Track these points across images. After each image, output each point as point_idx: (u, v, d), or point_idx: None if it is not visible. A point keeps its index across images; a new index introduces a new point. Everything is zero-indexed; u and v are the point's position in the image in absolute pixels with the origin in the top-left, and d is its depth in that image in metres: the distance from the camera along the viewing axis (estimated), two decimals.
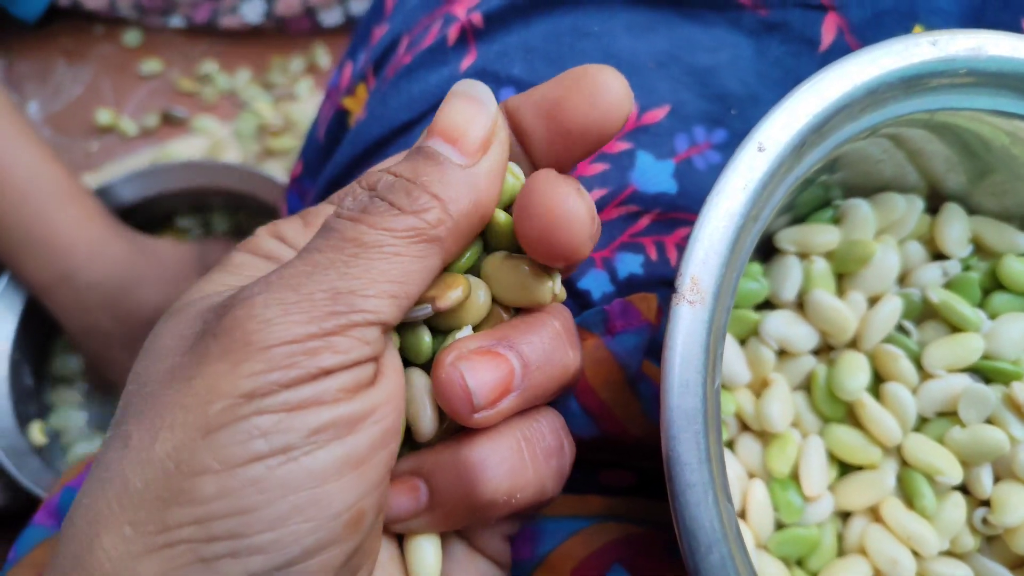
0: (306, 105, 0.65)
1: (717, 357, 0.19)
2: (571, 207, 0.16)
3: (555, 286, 0.19)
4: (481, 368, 0.17)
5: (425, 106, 0.30)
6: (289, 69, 0.66)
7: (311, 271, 0.16)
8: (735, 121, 0.30)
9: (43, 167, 0.47)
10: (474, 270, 0.19)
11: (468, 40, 0.30)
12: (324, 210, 0.20)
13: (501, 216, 0.19)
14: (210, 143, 0.64)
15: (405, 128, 0.30)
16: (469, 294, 0.18)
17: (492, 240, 0.19)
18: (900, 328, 0.27)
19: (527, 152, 0.19)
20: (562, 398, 0.24)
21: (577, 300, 0.27)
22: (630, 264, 0.27)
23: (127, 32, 0.69)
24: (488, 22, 0.30)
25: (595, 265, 0.27)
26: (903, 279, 0.27)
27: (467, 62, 0.30)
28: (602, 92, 0.18)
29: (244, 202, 0.54)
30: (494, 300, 0.19)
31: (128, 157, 0.65)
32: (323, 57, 0.66)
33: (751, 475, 0.25)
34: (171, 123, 0.65)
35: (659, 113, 0.29)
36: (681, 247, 0.29)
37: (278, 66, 0.66)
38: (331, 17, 0.65)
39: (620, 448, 0.25)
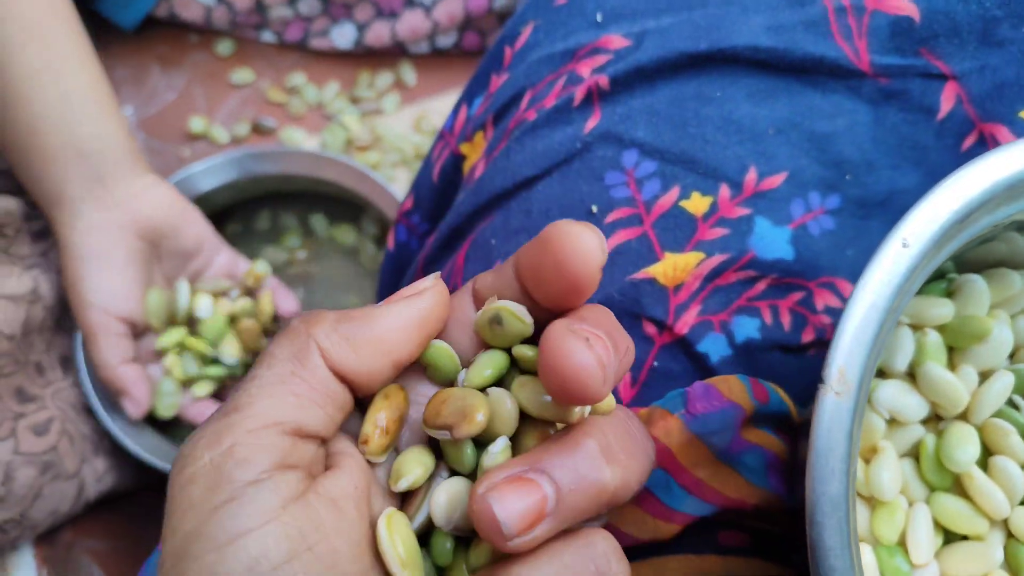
0: (392, 120, 0.67)
1: (856, 443, 0.20)
2: (579, 362, 0.17)
3: (583, 409, 0.19)
4: (511, 497, 0.17)
5: (548, 163, 0.31)
6: (376, 84, 0.68)
7: None
8: (850, 187, 0.31)
9: (96, 84, 0.45)
10: (505, 383, 0.20)
11: (593, 101, 0.31)
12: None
13: (528, 351, 0.20)
14: None
15: (528, 183, 0.31)
16: (489, 418, 0.19)
17: (524, 367, 0.20)
18: (1011, 403, 0.27)
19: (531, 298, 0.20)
20: (661, 481, 0.25)
21: (695, 363, 0.28)
22: (747, 328, 0.29)
23: (220, 42, 0.71)
24: (614, 85, 0.31)
25: (713, 328, 0.29)
26: (1015, 354, 0.28)
27: (591, 123, 0.31)
28: (568, 260, 0.18)
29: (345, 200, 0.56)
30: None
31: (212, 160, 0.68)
32: (409, 74, 0.68)
33: (859, 540, 0.27)
34: (260, 132, 0.68)
35: (777, 179, 0.30)
36: (795, 311, 0.30)
37: (365, 81, 0.68)
38: (419, 48, 0.67)
39: (738, 511, 0.26)
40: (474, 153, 0.36)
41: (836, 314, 0.30)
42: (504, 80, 0.35)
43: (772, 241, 0.29)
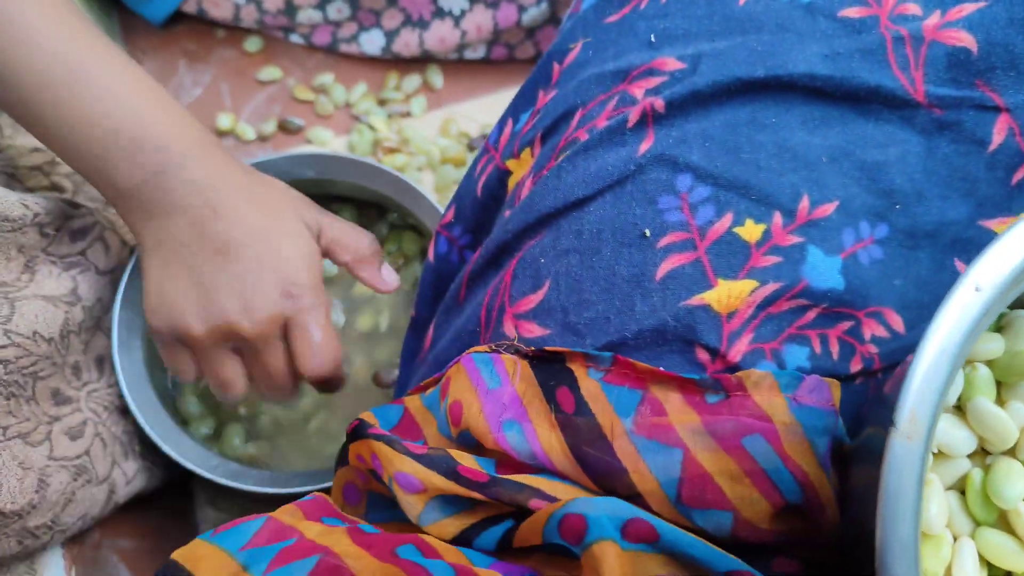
0: (420, 123, 0.67)
1: (923, 484, 0.20)
2: None
3: None
4: None
5: (601, 184, 0.31)
6: (403, 87, 0.67)
7: None
8: (899, 216, 0.31)
9: (129, 68, 0.41)
10: None
11: (647, 123, 0.31)
12: None
13: None
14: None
15: (579, 203, 0.32)
16: None
17: None
18: None
19: None
20: (770, 461, 0.26)
21: None
22: (798, 356, 0.29)
23: (248, 38, 0.71)
24: (669, 108, 0.31)
25: (765, 357, 0.29)
26: None
27: (645, 145, 0.31)
28: None
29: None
30: None
31: (245, 160, 0.68)
32: (437, 77, 0.68)
33: None
34: (287, 130, 0.68)
35: (829, 208, 0.30)
36: (843, 341, 0.30)
37: (393, 83, 0.68)
38: (447, 58, 0.68)
39: (800, 534, 0.26)
40: (521, 169, 0.36)
41: (883, 344, 0.30)
42: (552, 97, 0.35)
43: (824, 271, 0.29)
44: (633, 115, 0.31)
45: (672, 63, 0.32)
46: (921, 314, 0.30)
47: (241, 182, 0.43)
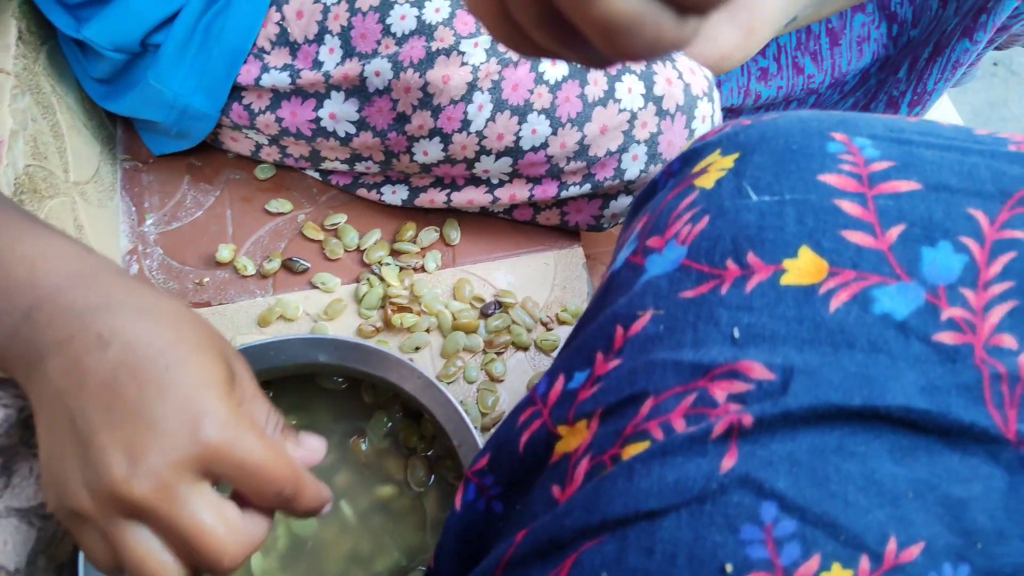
0: (433, 279, 0.64)
1: None
2: None
3: None
4: None
5: (678, 499, 0.29)
6: (420, 239, 0.65)
7: None
8: (979, 556, 0.29)
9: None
10: None
11: (731, 436, 0.29)
12: None
13: None
14: (327, 301, 0.63)
15: (651, 515, 0.29)
16: None
17: None
18: None
19: None
20: None
21: None
22: None
23: (260, 164, 0.68)
24: (757, 425, 0.29)
25: None
26: None
27: (728, 462, 0.29)
28: None
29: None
30: None
31: (241, 298, 0.64)
32: (454, 231, 0.66)
33: None
34: (291, 271, 0.64)
35: (915, 551, 0.28)
36: None
37: (410, 233, 0.65)
38: (469, 209, 0.66)
39: None
40: (573, 439, 0.33)
41: None
42: (616, 367, 0.33)
43: None
44: (718, 428, 0.29)
45: (759, 370, 0.30)
46: None
47: (140, 297, 0.34)
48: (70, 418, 0.31)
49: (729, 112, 0.76)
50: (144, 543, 0.31)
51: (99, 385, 0.31)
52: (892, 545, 0.28)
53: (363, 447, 0.53)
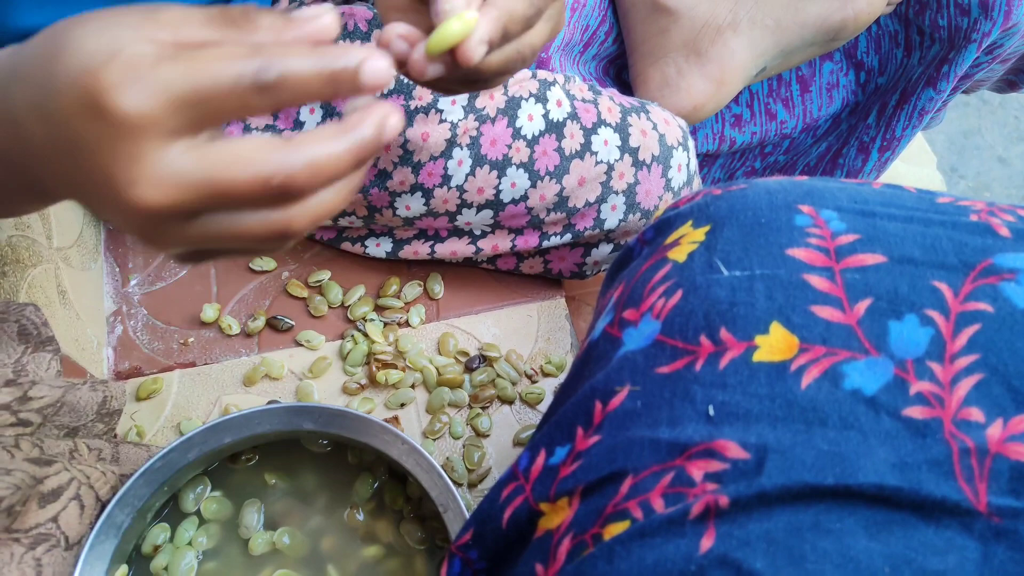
0: (417, 334, 0.65)
1: None
2: None
3: None
4: None
5: None
6: (404, 293, 0.66)
7: None
8: None
9: None
10: None
11: (709, 517, 0.30)
12: None
13: None
14: (312, 359, 0.63)
15: None
16: None
17: None
18: None
19: None
20: None
21: None
22: None
23: None
24: (733, 506, 0.29)
25: None
26: None
27: (706, 543, 0.29)
28: None
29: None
30: None
31: (226, 357, 0.64)
32: (437, 285, 0.66)
33: None
34: (276, 329, 0.65)
35: None
36: None
37: (394, 288, 0.66)
38: (454, 261, 0.66)
39: None
40: (555, 516, 0.34)
41: None
42: (595, 444, 0.34)
43: None
44: (696, 508, 0.30)
45: (734, 449, 0.31)
46: None
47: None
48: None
49: (706, 157, 0.77)
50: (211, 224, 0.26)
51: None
52: None
53: (359, 517, 0.53)
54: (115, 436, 0.55)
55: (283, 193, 0.26)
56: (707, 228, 0.37)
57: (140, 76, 0.24)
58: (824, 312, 0.33)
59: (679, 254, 0.37)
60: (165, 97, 0.25)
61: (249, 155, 0.25)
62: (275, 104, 0.26)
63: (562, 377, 0.64)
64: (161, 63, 0.25)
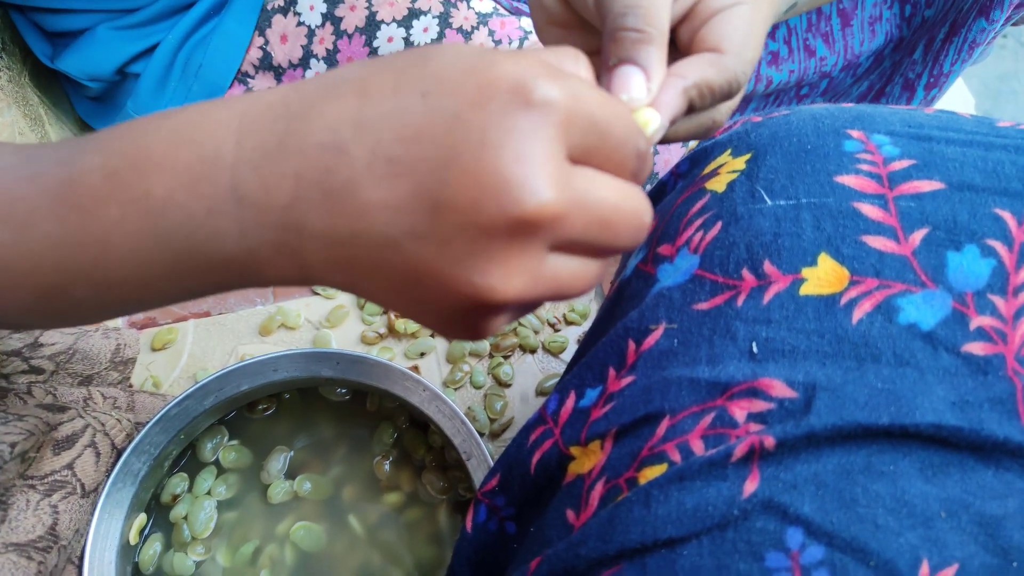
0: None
1: None
2: None
3: None
4: None
5: (698, 526, 0.27)
6: None
7: None
8: None
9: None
10: None
11: (752, 459, 0.28)
12: None
13: None
14: (329, 308, 0.62)
15: (671, 543, 0.28)
16: None
17: None
18: None
19: None
20: None
21: None
22: None
23: None
24: (779, 447, 0.28)
25: None
26: None
27: (750, 486, 0.28)
28: None
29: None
30: None
31: (241, 307, 0.63)
32: None
33: None
34: None
35: (949, 573, 0.27)
36: None
37: None
38: None
39: None
40: (587, 460, 0.32)
41: None
42: (629, 385, 0.32)
43: None
44: (739, 450, 0.28)
45: (780, 387, 0.29)
46: None
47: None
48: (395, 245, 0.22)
49: None
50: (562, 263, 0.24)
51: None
52: (925, 569, 0.27)
53: (383, 467, 0.52)
54: (130, 385, 0.54)
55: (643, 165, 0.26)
56: (748, 156, 0.35)
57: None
58: (876, 242, 0.31)
59: (718, 184, 0.35)
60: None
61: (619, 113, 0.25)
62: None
63: (586, 326, 0.62)
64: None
